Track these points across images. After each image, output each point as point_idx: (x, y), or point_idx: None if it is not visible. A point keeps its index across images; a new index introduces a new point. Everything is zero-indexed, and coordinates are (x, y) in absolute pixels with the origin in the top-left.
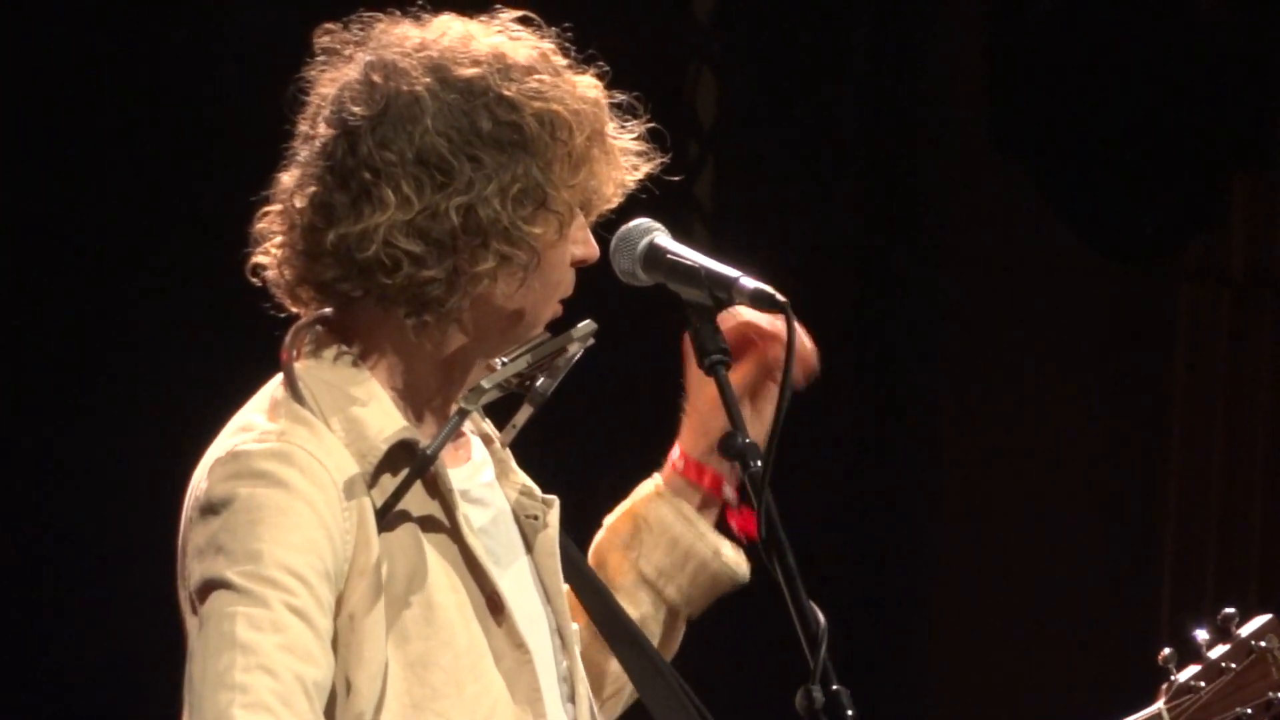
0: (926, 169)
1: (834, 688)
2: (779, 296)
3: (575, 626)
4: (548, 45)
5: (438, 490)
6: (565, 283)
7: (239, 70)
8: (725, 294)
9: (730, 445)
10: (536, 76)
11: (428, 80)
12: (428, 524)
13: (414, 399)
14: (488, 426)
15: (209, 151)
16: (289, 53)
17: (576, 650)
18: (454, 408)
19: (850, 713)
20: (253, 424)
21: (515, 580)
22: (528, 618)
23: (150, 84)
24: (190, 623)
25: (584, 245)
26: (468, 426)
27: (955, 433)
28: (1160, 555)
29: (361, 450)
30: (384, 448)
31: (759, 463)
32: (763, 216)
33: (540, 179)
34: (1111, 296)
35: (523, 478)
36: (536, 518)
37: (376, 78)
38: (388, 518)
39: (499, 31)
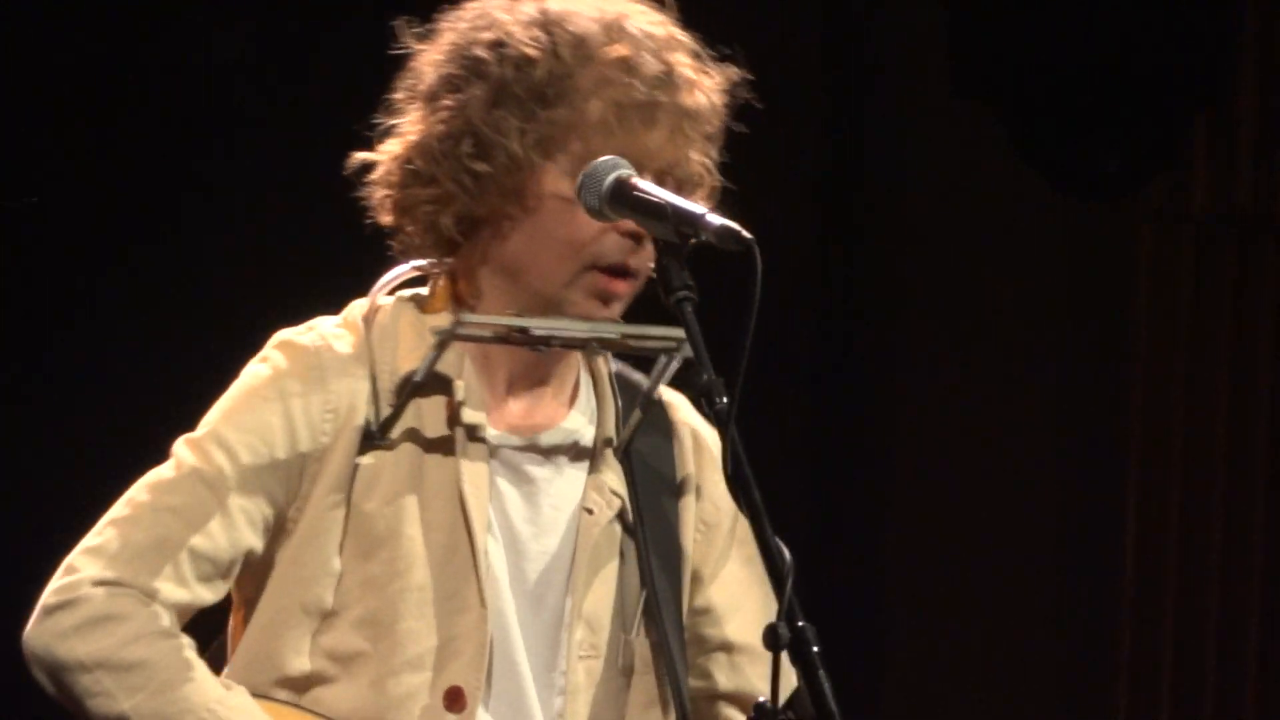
0: (888, 109)
1: (800, 624)
2: (745, 234)
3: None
4: (638, 20)
5: (456, 427)
6: (578, 242)
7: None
8: (691, 230)
9: (695, 381)
10: (561, 28)
11: (470, 22)
12: (439, 457)
13: (477, 346)
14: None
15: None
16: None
17: (585, 654)
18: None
19: (816, 649)
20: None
21: (536, 559)
22: (530, 595)
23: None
24: None
25: None
26: (586, 413)
27: (916, 373)
28: (1123, 490)
29: (390, 369)
30: (403, 370)
31: (724, 399)
32: (726, 159)
33: (479, 115)
34: (1073, 236)
35: (610, 480)
36: (592, 511)
37: None
38: (392, 438)
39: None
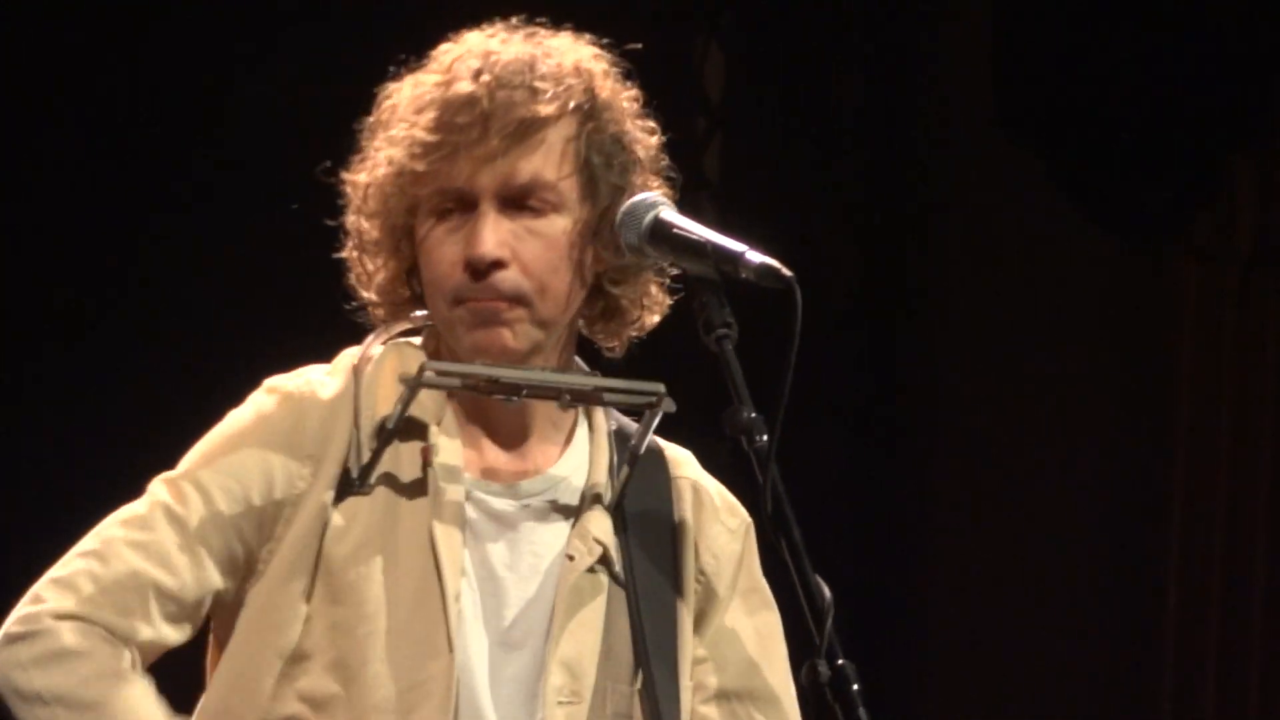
0: (932, 145)
1: (840, 662)
2: (785, 271)
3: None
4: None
5: (431, 472)
6: (436, 281)
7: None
8: (731, 268)
9: (734, 420)
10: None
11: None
12: (413, 502)
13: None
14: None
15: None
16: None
17: (565, 699)
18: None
19: (856, 687)
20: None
21: (516, 606)
22: (507, 642)
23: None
24: None
25: (446, 244)
26: (575, 463)
27: (958, 409)
28: (1167, 530)
29: (370, 415)
30: (380, 416)
31: (764, 437)
32: (769, 191)
33: (357, 171)
34: (1117, 274)
35: (594, 529)
36: (572, 558)
37: None
38: (369, 483)
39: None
